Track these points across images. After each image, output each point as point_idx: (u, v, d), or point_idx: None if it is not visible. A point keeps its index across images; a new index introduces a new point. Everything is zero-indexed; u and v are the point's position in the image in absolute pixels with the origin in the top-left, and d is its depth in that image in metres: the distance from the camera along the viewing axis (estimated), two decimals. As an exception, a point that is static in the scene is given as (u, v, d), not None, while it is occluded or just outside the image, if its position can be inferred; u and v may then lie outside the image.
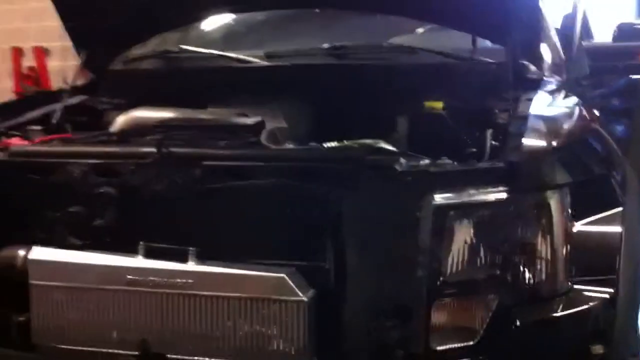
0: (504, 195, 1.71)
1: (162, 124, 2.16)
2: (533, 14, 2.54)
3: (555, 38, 2.91)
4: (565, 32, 2.99)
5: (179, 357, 1.87)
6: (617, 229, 1.85)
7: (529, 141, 1.84)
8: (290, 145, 2.04)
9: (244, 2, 2.74)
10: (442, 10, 2.55)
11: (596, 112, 2.55)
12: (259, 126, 2.09)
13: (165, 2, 2.76)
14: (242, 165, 1.90)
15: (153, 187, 1.92)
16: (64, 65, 7.58)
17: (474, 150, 1.96)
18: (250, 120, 2.13)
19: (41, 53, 7.97)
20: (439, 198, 1.71)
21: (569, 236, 1.78)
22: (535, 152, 1.81)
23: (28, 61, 8.21)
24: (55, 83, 8.04)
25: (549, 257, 1.76)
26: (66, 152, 2.05)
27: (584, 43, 2.96)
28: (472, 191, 1.72)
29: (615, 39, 2.94)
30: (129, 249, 1.91)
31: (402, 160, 1.80)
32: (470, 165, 1.76)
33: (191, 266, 1.86)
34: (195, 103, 2.56)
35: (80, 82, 2.96)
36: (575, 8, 3.06)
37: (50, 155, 2.05)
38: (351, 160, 1.82)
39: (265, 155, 1.92)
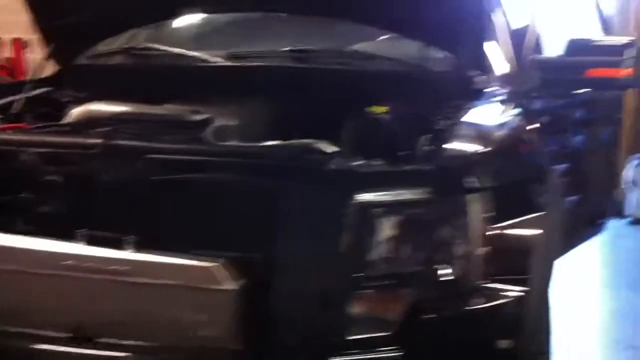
0: (423, 196, 1.81)
1: (114, 118, 2.24)
2: (483, 26, 2.63)
3: (507, 49, 3.02)
4: (517, 44, 3.12)
5: (111, 340, 1.95)
6: (532, 232, 1.95)
7: (453, 147, 1.94)
8: (231, 142, 2.12)
9: (212, 3, 2.81)
10: (395, 18, 2.64)
11: (535, 124, 2.64)
12: (206, 122, 2.18)
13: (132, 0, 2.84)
14: (181, 159, 1.98)
15: (97, 177, 2.01)
16: (40, 57, 7.68)
17: (405, 154, 2.05)
18: (197, 117, 2.22)
19: (19, 45, 8.02)
20: (363, 196, 1.80)
21: (485, 237, 1.88)
22: (456, 158, 1.91)
23: (6, 52, 8.26)
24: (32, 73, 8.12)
25: (464, 256, 1.85)
26: (16, 140, 2.13)
27: (535, 56, 3.05)
28: (394, 191, 1.81)
29: (565, 53, 3.03)
30: (72, 236, 1.99)
31: (334, 160, 1.90)
32: (394, 167, 1.86)
33: (127, 254, 1.95)
34: (155, 100, 2.65)
35: (45, 74, 3.04)
36: (530, 22, 3.18)
37: (1, 143, 2.12)
38: (285, 159, 1.91)
39: (203, 150, 2.01)
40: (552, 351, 2.56)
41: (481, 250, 1.87)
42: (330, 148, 2.18)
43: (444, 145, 1.96)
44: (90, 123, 2.29)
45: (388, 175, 1.85)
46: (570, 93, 3.26)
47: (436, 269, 1.84)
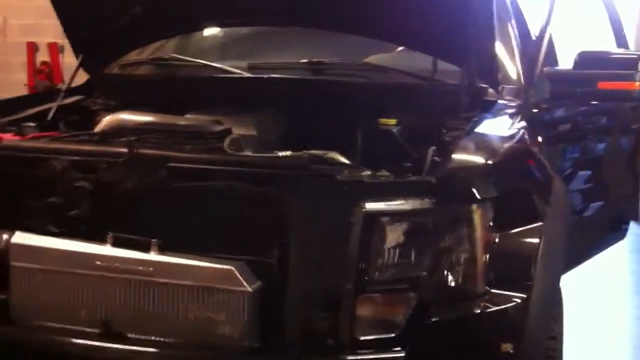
0: (428, 206, 1.93)
1: (139, 127, 2.39)
2: (492, 39, 2.72)
3: (518, 62, 3.11)
4: (529, 57, 3.20)
5: (137, 336, 2.09)
6: (534, 240, 2.05)
7: (457, 158, 2.05)
8: (247, 152, 2.25)
9: (236, 17, 2.95)
10: (406, 32, 2.75)
11: (539, 138, 2.73)
12: (224, 133, 2.32)
13: (161, 13, 2.99)
14: (201, 167, 2.12)
15: (123, 184, 2.15)
16: (75, 61, 7.89)
17: (411, 165, 2.17)
18: (217, 128, 2.35)
19: (55, 49, 8.24)
20: (370, 205, 1.92)
21: (488, 245, 1.99)
22: (460, 169, 2.02)
23: (42, 56, 8.49)
24: (67, 77, 8.34)
25: (468, 262, 1.97)
26: (49, 148, 2.28)
27: (546, 69, 3.14)
28: (400, 201, 1.93)
29: (575, 66, 3.11)
30: (100, 238, 2.15)
31: (343, 170, 2.02)
32: (401, 178, 1.98)
33: (152, 256, 2.09)
34: (179, 109, 2.80)
35: (77, 83, 3.21)
36: (541, 33, 3.26)
37: (35, 151, 2.28)
38: (296, 168, 2.04)
39: (222, 160, 2.15)
40: (561, 357, 2.64)
41: (484, 258, 1.98)
42: (339, 158, 2.32)
43: (449, 157, 2.06)
44: (118, 132, 2.44)
45: (394, 185, 1.97)
46: (588, 103, 3.32)
47: (439, 275, 1.95)
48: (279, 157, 2.20)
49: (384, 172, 2.05)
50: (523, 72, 3.07)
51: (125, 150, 2.16)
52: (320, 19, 2.87)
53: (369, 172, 2.06)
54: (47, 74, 8.34)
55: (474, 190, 1.99)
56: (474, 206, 1.98)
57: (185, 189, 2.12)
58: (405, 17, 2.67)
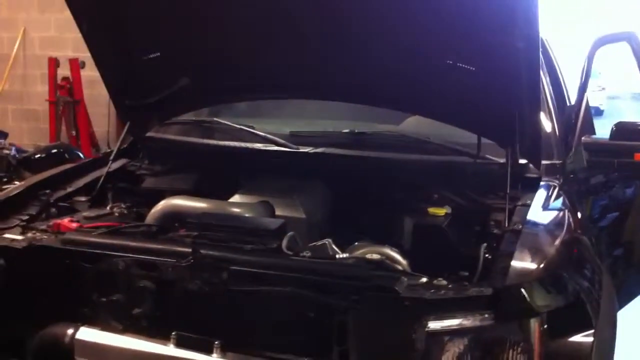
0: (488, 323, 1.99)
1: (195, 222, 2.45)
2: (538, 117, 2.76)
3: (557, 133, 3.16)
4: (567, 126, 3.25)
5: None
6: (587, 350, 2.11)
7: (515, 266, 2.10)
8: (306, 254, 2.31)
9: (278, 91, 3.00)
10: (450, 110, 2.79)
11: (579, 214, 2.78)
12: (281, 230, 2.38)
13: (208, 84, 3.04)
14: (263, 272, 2.18)
15: (186, 285, 2.22)
16: (96, 75, 7.95)
17: (467, 273, 2.22)
18: (273, 224, 2.41)
19: (76, 65, 8.30)
20: (433, 324, 1.99)
21: (544, 356, 2.05)
22: (519, 280, 2.06)
23: (63, 70, 8.55)
24: (87, 91, 8.40)
25: None
26: (112, 245, 2.34)
27: (584, 138, 3.19)
28: (461, 319, 1.99)
29: (612, 136, 3.16)
30: (163, 336, 2.22)
31: (403, 280, 2.08)
32: (461, 293, 2.03)
33: (215, 358, 2.16)
34: (223, 183, 2.87)
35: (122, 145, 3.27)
36: (578, 99, 3.30)
37: (98, 247, 2.35)
38: (358, 279, 2.10)
39: (283, 265, 2.21)
40: None
41: None
42: (394, 256, 2.38)
43: (504, 263, 2.12)
44: (173, 224, 2.50)
45: (454, 302, 2.02)
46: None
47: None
48: (339, 264, 2.25)
49: (442, 282, 2.10)
50: (562, 144, 3.13)
51: (188, 250, 2.22)
52: (363, 94, 2.91)
53: (426, 280, 2.11)
54: (68, 90, 8.43)
55: (534, 303, 2.04)
56: (534, 319, 2.03)
57: (246, 292, 2.19)
58: (448, 93, 2.70)
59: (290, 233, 2.37)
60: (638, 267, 3.77)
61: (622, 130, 3.17)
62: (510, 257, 2.15)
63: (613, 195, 3.57)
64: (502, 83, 2.55)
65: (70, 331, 2.30)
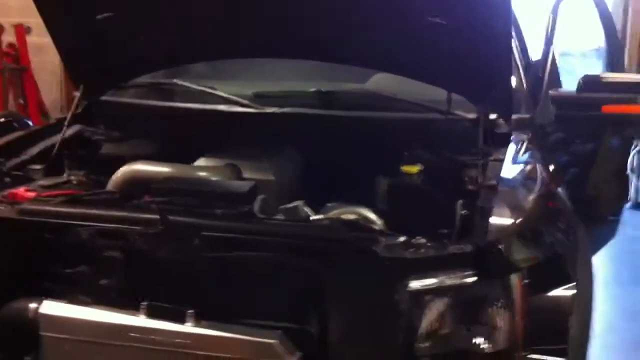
0: (470, 280, 1.95)
1: (161, 187, 2.34)
2: (509, 71, 2.71)
3: (525, 87, 3.12)
4: (534, 80, 3.21)
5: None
6: (567, 304, 2.08)
7: (494, 223, 2.05)
8: (279, 217, 2.23)
9: (241, 50, 2.89)
10: (420, 66, 2.72)
11: (551, 167, 2.76)
12: (252, 193, 2.29)
13: (165, 44, 2.91)
14: (236, 237, 2.10)
15: (155, 253, 2.12)
16: (43, 41, 7.67)
17: (446, 230, 2.17)
18: (243, 187, 2.32)
19: (22, 30, 8.00)
20: (414, 284, 1.94)
21: (526, 311, 2.02)
22: (499, 236, 2.02)
23: (8, 36, 8.24)
24: (34, 58, 8.13)
25: (507, 330, 1.99)
26: (74, 214, 2.23)
27: (551, 92, 3.16)
28: (443, 277, 1.94)
29: (579, 89, 3.13)
30: (133, 307, 2.12)
31: (381, 240, 2.02)
32: (441, 251, 1.98)
33: (189, 327, 2.08)
34: (186, 147, 2.76)
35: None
36: (545, 55, 3.26)
37: (59, 216, 2.23)
38: (336, 241, 2.04)
39: (257, 229, 2.12)
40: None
41: (522, 324, 2.00)
42: (369, 216, 2.32)
43: (483, 220, 2.07)
44: (137, 190, 2.39)
45: (435, 261, 1.97)
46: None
47: (480, 345, 1.98)
48: (314, 226, 2.18)
49: (420, 240, 2.04)
50: (530, 98, 3.10)
51: (156, 217, 2.12)
52: (329, 51, 2.82)
53: (404, 239, 2.05)
54: (13, 57, 8.12)
55: (516, 259, 2.01)
56: (514, 276, 2.00)
57: (219, 258, 2.10)
58: (418, 48, 2.62)
59: (261, 196, 2.29)
60: (602, 219, 3.80)
61: (589, 82, 3.14)
62: (488, 213, 2.11)
63: (573, 151, 3.57)
64: (473, 36, 2.48)
65: (33, 305, 2.18)
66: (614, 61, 3.83)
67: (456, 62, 2.60)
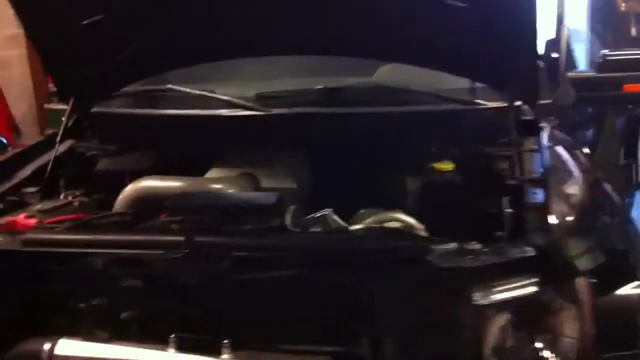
0: (536, 288, 1.77)
1: (177, 204, 2.12)
2: (535, 56, 2.53)
3: (542, 70, 2.95)
4: (550, 61, 3.04)
5: None
6: (636, 303, 1.92)
7: (554, 221, 1.87)
8: (315, 230, 2.03)
9: (238, 50, 2.67)
10: (438, 54, 2.53)
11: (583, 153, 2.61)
12: (280, 204, 2.08)
13: (159, 47, 2.68)
14: (271, 255, 1.90)
15: (181, 279, 1.91)
16: (9, 54, 7.40)
17: (500, 233, 1.98)
18: (270, 199, 2.11)
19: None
20: (477, 296, 1.75)
21: (594, 314, 1.85)
22: (561, 235, 1.84)
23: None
24: (0, 72, 7.81)
25: (576, 336, 1.82)
26: (85, 241, 2.01)
27: (569, 74, 3.00)
28: (507, 286, 1.76)
29: (599, 69, 2.98)
30: (159, 341, 1.90)
31: (434, 248, 1.82)
32: (502, 257, 1.79)
33: (226, 358, 1.86)
34: (190, 157, 2.54)
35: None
36: (559, 33, 3.09)
37: (69, 245, 2.00)
38: (384, 253, 1.84)
39: (293, 245, 1.92)
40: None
41: (592, 329, 1.83)
42: (409, 221, 2.12)
43: (538, 218, 1.90)
44: (150, 209, 2.18)
45: (496, 268, 1.78)
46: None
47: (550, 358, 1.80)
48: (357, 237, 1.98)
49: (475, 245, 1.85)
50: (550, 81, 2.93)
51: (180, 239, 1.90)
52: (333, 43, 2.60)
53: (457, 246, 1.86)
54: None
55: (579, 261, 1.83)
56: (581, 278, 1.82)
57: (253, 279, 1.89)
58: (436, 35, 2.41)
59: (292, 207, 2.08)
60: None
61: (608, 62, 2.98)
62: (542, 210, 1.94)
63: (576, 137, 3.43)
64: (495, 17, 2.29)
65: (47, 346, 1.94)
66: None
67: (478, 48, 2.40)
